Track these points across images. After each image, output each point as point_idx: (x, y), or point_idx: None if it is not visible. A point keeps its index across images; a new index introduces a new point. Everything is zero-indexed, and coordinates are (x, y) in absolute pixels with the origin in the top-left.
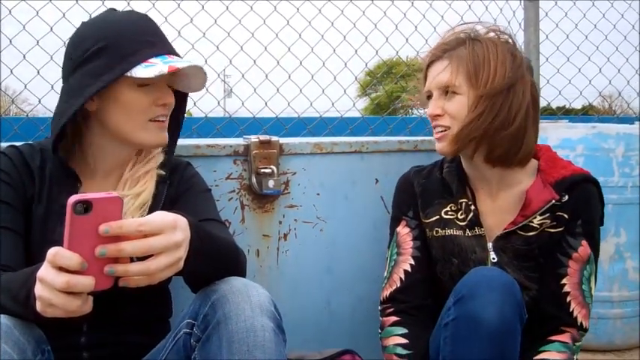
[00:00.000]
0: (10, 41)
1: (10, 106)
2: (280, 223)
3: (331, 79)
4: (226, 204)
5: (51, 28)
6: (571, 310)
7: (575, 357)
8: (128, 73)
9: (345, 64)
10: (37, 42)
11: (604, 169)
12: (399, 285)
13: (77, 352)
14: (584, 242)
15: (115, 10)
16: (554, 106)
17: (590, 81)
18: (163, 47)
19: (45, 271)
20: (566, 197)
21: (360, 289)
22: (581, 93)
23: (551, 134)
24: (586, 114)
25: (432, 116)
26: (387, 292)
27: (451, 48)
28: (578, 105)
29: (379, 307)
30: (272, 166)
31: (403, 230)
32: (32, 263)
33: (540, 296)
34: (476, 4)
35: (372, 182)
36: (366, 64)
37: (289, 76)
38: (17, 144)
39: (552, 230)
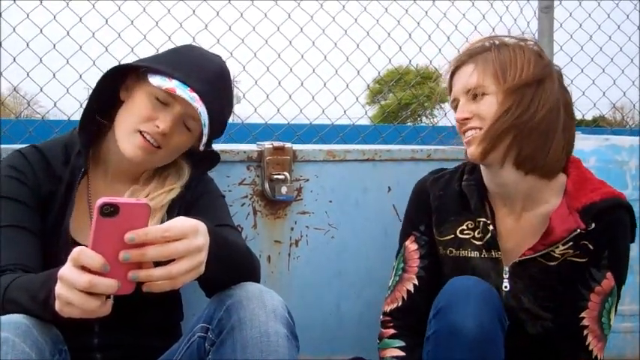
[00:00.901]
0: (27, 44)
1: (26, 109)
2: (292, 229)
3: (341, 86)
4: (239, 209)
5: (67, 32)
6: (587, 343)
7: None
8: (150, 77)
9: (358, 72)
10: (54, 45)
11: (617, 182)
12: (400, 304)
13: (90, 353)
14: (608, 275)
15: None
16: None
17: (604, 92)
18: (195, 82)
19: (67, 270)
20: (593, 225)
21: (369, 295)
22: (594, 104)
23: None
24: (597, 125)
25: (461, 120)
26: (388, 308)
27: (476, 53)
28: (589, 116)
29: (381, 317)
30: (285, 173)
31: (411, 246)
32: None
33: (556, 328)
34: (490, 14)
35: (384, 190)
36: (379, 73)
37: (302, 83)
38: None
39: (575, 259)
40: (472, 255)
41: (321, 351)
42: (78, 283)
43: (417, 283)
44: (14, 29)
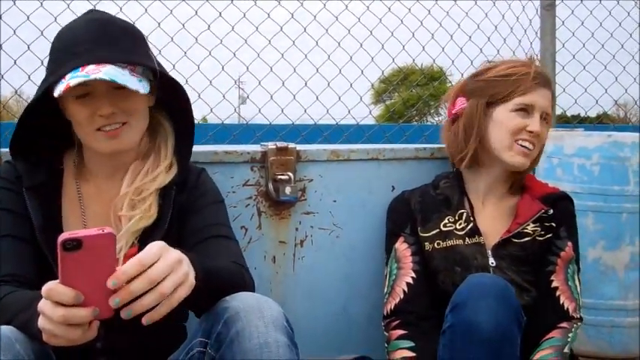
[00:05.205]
0: (29, 47)
1: None
2: (297, 229)
3: (345, 85)
4: (243, 210)
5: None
6: (561, 303)
7: (568, 347)
8: (55, 92)
9: (362, 71)
10: None
11: (619, 178)
12: (402, 297)
13: (94, 358)
14: (569, 244)
15: (94, 10)
16: (569, 114)
17: (606, 90)
18: (89, 57)
19: (43, 305)
20: (551, 211)
21: (376, 296)
22: (597, 101)
23: (567, 142)
24: (600, 122)
25: (535, 133)
26: (390, 305)
27: (550, 83)
28: (592, 113)
29: (382, 323)
30: (289, 173)
31: (402, 246)
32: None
33: (538, 296)
34: (492, 12)
35: (389, 189)
36: (382, 72)
37: (305, 84)
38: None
39: (542, 238)
40: (457, 243)
41: (327, 352)
42: (54, 317)
43: (414, 275)
44: (14, 31)
